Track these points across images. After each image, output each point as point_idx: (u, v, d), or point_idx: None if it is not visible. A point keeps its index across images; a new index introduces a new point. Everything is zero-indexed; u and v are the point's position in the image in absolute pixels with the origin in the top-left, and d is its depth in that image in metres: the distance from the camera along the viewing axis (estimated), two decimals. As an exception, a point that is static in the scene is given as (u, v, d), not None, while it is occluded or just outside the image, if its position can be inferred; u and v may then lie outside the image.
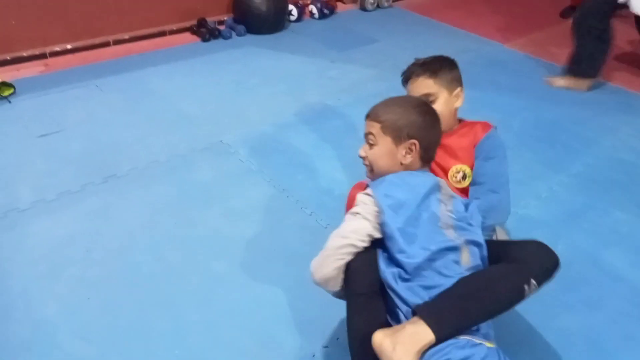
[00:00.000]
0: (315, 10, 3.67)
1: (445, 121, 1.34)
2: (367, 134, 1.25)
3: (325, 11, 3.70)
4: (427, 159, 1.25)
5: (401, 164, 1.21)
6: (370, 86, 2.73)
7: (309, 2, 3.72)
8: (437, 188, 1.17)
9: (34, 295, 1.45)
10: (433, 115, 1.26)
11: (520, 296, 1.03)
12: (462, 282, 1.03)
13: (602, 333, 1.44)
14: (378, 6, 4.01)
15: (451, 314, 0.98)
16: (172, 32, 3.26)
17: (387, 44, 3.35)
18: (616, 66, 3.22)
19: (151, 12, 3.12)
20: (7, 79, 2.52)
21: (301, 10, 3.61)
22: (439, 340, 0.95)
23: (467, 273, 1.06)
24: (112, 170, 1.97)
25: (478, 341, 0.99)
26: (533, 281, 1.03)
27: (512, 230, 1.81)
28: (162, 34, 3.21)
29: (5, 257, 1.57)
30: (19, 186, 1.87)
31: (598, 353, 1.38)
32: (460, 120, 1.53)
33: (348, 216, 1.13)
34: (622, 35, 3.71)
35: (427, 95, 1.39)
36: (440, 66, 1.44)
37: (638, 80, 3.04)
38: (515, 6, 4.27)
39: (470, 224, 1.14)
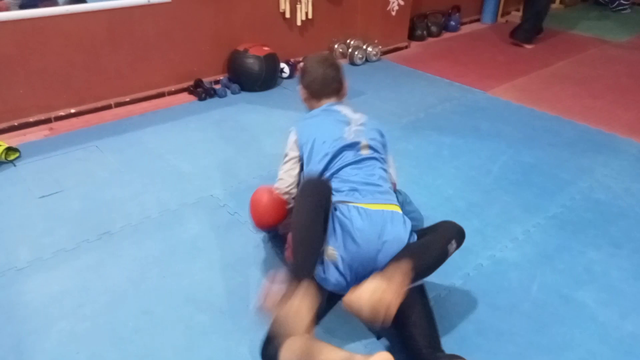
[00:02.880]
0: (306, 67, 3.88)
1: None
2: None
3: (316, 67, 3.90)
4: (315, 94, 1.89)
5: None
6: (355, 137, 2.86)
7: (300, 59, 3.93)
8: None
9: (25, 349, 1.52)
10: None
11: (445, 255, 1.48)
12: (405, 247, 1.47)
13: (573, 373, 1.48)
14: (366, 60, 4.22)
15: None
16: (170, 93, 3.46)
17: (372, 95, 3.52)
18: (595, 107, 3.35)
19: (150, 76, 3.33)
20: (14, 144, 2.69)
21: (292, 67, 3.82)
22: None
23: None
24: (106, 228, 2.08)
25: None
26: (453, 242, 1.50)
27: (489, 273, 1.87)
28: (161, 95, 3.41)
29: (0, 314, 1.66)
30: (18, 246, 1.98)
31: (567, 393, 1.41)
32: None
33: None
34: (602, 76, 3.86)
35: None
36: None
37: (615, 121, 3.15)
38: (500, 54, 4.47)
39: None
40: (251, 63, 3.45)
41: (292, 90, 3.62)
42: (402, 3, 4.40)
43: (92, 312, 1.68)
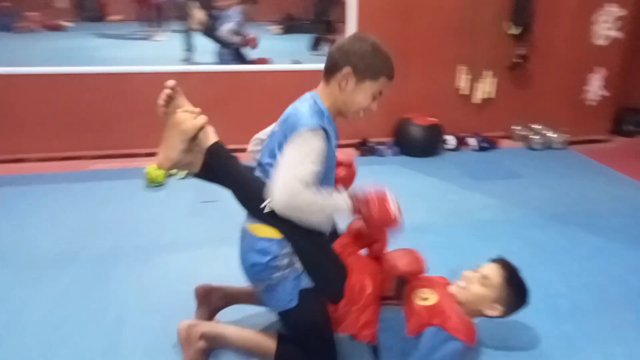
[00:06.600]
0: (474, 143, 3.88)
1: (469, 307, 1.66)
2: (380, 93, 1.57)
3: (485, 145, 3.87)
4: None
5: None
6: (484, 214, 2.77)
7: (472, 135, 3.95)
8: None
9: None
10: None
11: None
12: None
13: None
14: (548, 147, 3.96)
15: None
16: (339, 146, 3.89)
17: (529, 180, 3.30)
18: None
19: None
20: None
21: (459, 140, 3.87)
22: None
23: None
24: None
25: None
26: None
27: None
28: (331, 146, 3.89)
29: (145, 285, 2.19)
30: (167, 231, 2.58)
31: None
32: None
33: None
34: None
35: (486, 277, 1.68)
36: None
37: None
38: None
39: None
40: (413, 130, 3.68)
41: (450, 162, 3.67)
42: (606, 94, 4.03)
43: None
